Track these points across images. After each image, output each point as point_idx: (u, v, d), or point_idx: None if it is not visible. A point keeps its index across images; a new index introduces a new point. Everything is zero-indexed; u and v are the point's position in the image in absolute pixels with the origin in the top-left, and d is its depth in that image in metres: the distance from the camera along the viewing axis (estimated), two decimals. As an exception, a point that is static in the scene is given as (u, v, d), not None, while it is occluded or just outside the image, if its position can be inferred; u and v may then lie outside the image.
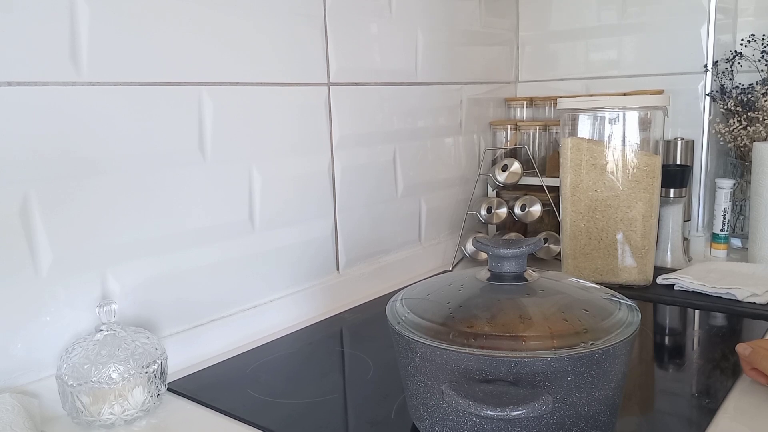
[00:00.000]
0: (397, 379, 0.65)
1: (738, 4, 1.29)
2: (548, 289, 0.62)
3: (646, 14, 1.29)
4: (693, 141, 1.24)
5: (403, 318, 0.61)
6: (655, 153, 1.03)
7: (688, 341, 0.91)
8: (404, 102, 1.15)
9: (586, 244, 1.07)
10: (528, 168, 1.28)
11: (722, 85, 1.23)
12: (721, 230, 1.25)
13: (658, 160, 1.03)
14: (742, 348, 0.72)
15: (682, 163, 1.23)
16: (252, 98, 0.89)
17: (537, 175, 1.25)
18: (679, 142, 1.23)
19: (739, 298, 0.96)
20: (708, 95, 1.22)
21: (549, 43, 1.42)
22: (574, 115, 1.06)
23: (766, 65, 1.22)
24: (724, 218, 1.24)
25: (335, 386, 0.77)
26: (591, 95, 1.22)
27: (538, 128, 1.32)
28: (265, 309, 0.93)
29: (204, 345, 0.85)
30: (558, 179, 1.11)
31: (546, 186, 1.23)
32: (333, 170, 1.03)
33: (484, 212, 1.25)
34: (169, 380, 0.74)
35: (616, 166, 1.03)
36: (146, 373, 0.68)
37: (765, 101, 1.18)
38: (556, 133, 1.29)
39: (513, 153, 1.34)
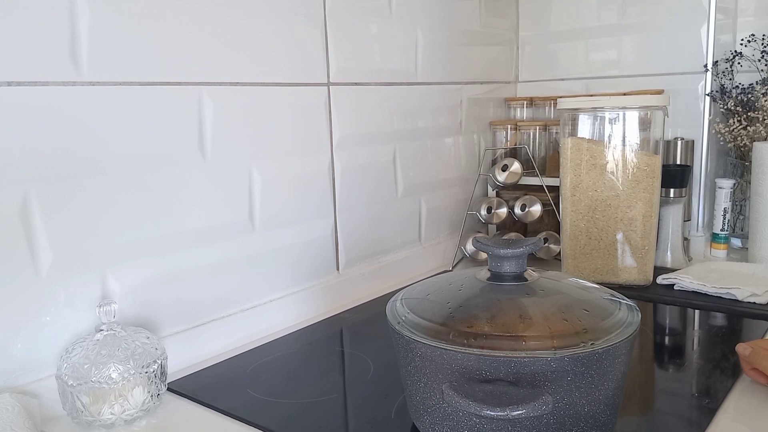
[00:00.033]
0: (397, 379, 0.65)
1: (738, 4, 1.29)
2: (548, 289, 0.62)
3: (646, 14, 1.29)
4: (693, 141, 1.24)
5: (403, 318, 0.61)
6: (655, 153, 1.03)
7: (688, 341, 0.91)
8: (404, 102, 1.15)
9: (586, 244, 1.07)
10: (528, 168, 1.28)
11: (722, 85, 1.23)
12: (721, 230, 1.25)
13: (658, 160, 1.03)
14: (742, 348, 0.72)
15: (682, 163, 1.23)
16: (252, 98, 0.89)
17: (537, 175, 1.25)
18: (679, 142, 1.23)
19: (739, 298, 0.96)
20: (708, 95, 1.22)
21: (549, 43, 1.42)
22: (574, 115, 1.06)
23: (766, 65, 1.22)
24: (724, 218, 1.24)
25: (335, 386, 0.77)
26: (591, 95, 1.22)
27: (538, 128, 1.32)
28: (265, 309, 0.93)
29: (204, 345, 0.85)
30: (558, 179, 1.11)
31: (546, 186, 1.23)
32: (333, 170, 1.03)
33: (484, 212, 1.25)
34: (169, 380, 0.74)
35: (616, 166, 1.03)
36: (146, 373, 0.68)
37: (765, 101, 1.18)
38: (556, 133, 1.29)
39: (513, 153, 1.34)
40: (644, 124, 1.03)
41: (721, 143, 1.27)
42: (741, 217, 1.31)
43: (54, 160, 0.69)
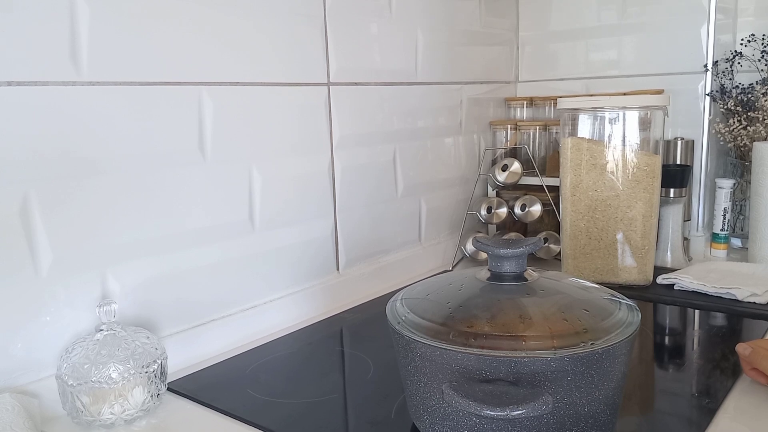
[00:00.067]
0: (397, 379, 0.65)
1: (738, 4, 1.29)
2: (548, 289, 0.62)
3: (646, 14, 1.29)
4: (693, 141, 1.24)
5: (403, 318, 0.61)
6: (655, 153, 1.03)
7: (688, 341, 0.91)
8: (404, 102, 1.15)
9: (586, 244, 1.07)
10: (528, 168, 1.28)
11: (722, 85, 1.23)
12: (721, 230, 1.25)
13: (658, 160, 1.03)
14: (742, 348, 0.72)
15: (682, 163, 1.23)
16: (252, 98, 0.89)
17: (537, 175, 1.25)
18: (679, 142, 1.23)
19: (739, 298, 0.96)
20: (708, 95, 1.22)
21: (549, 43, 1.42)
22: (574, 115, 1.06)
23: (766, 65, 1.22)
24: (724, 218, 1.24)
25: (335, 386, 0.77)
26: (591, 95, 1.22)
27: (538, 128, 1.32)
28: (265, 309, 0.93)
29: (204, 345, 0.85)
30: (558, 179, 1.11)
31: (546, 186, 1.23)
32: (333, 170, 1.03)
33: (484, 212, 1.25)
34: (169, 380, 0.74)
35: (616, 165, 1.03)
36: (146, 372, 0.68)
37: (765, 101, 1.18)
38: (556, 133, 1.29)
39: (513, 153, 1.34)
40: (644, 124, 1.03)
41: (721, 143, 1.27)
42: (741, 217, 1.31)
43: (54, 160, 0.69)
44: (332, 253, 1.05)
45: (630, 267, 1.05)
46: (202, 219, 0.84)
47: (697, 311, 0.97)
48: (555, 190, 1.17)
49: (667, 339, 0.92)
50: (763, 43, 1.23)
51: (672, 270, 1.11)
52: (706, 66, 1.22)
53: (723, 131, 1.23)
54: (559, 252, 1.15)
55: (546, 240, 1.24)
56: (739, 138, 1.21)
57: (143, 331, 0.72)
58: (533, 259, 1.24)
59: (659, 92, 1.19)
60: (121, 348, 0.68)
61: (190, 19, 0.80)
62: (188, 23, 0.80)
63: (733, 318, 0.93)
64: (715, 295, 0.99)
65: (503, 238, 1.20)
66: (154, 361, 0.69)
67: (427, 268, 1.23)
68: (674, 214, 1.16)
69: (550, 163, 1.30)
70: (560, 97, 1.11)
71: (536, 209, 1.22)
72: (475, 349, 0.54)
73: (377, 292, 1.10)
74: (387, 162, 1.13)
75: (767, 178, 1.13)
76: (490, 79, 1.38)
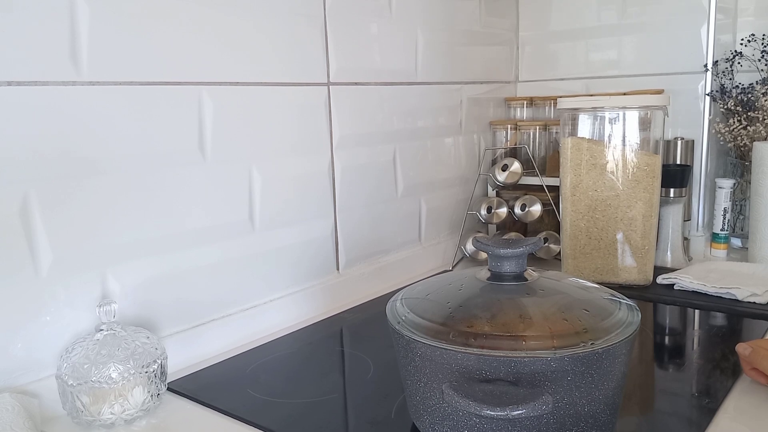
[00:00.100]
0: (397, 379, 0.65)
1: (738, 4, 1.29)
2: (548, 288, 0.62)
3: (646, 14, 1.29)
4: (693, 141, 1.24)
5: (403, 318, 0.61)
6: (655, 153, 1.03)
7: (688, 341, 0.91)
8: (404, 102, 1.15)
9: (586, 243, 1.07)
10: (528, 168, 1.28)
11: (722, 85, 1.23)
12: (721, 230, 1.25)
13: (658, 159, 1.03)
14: (742, 348, 0.72)
15: (682, 163, 1.23)
16: (252, 98, 0.89)
17: (537, 175, 1.25)
18: (679, 142, 1.23)
19: (739, 298, 0.96)
20: (708, 95, 1.22)
21: (549, 43, 1.42)
22: (574, 115, 1.06)
23: (766, 65, 1.22)
24: (724, 218, 1.24)
25: (335, 386, 0.77)
26: (591, 95, 1.22)
27: (538, 128, 1.32)
28: (265, 309, 0.93)
29: (204, 345, 0.85)
30: (558, 179, 1.11)
31: (546, 186, 1.23)
32: (333, 170, 1.03)
33: (484, 212, 1.25)
34: (169, 380, 0.74)
35: (616, 165, 1.03)
36: (146, 372, 0.68)
37: (765, 101, 1.18)
38: (556, 132, 1.29)
39: (513, 153, 1.34)
40: (644, 124, 1.03)
41: (721, 143, 1.27)
42: (741, 217, 1.31)
43: (54, 160, 0.69)
44: (332, 253, 1.05)
45: (630, 267, 1.05)
46: (202, 219, 0.84)
47: (697, 311, 0.97)
48: (555, 190, 1.17)
49: (667, 339, 0.92)
50: (763, 43, 1.23)
51: (672, 270, 1.11)
52: (706, 66, 1.22)
53: (723, 131, 1.23)
54: (559, 252, 1.15)
55: (546, 240, 1.24)
56: (739, 138, 1.21)
57: (143, 331, 0.72)
58: (533, 259, 1.24)
59: (659, 92, 1.19)
60: (121, 348, 0.68)
61: (190, 19, 0.80)
62: (188, 23, 0.80)
63: (733, 318, 0.93)
64: (715, 295, 0.99)
65: (503, 238, 1.20)
66: (154, 361, 0.69)
67: (427, 268, 1.23)
68: (674, 214, 1.16)
69: (550, 163, 1.30)
70: (560, 97, 1.11)
71: (536, 209, 1.22)
72: (475, 349, 0.54)
73: (377, 292, 1.10)
74: (387, 162, 1.13)
75: (767, 178, 1.13)
76: (490, 79, 1.38)
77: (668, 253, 1.16)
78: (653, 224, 1.05)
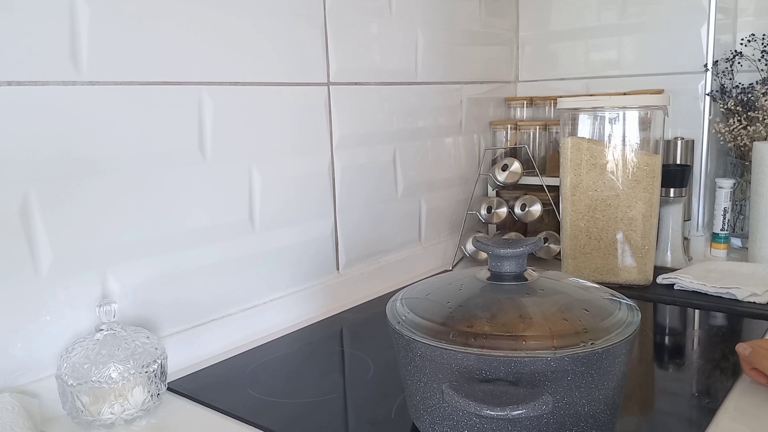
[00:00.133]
0: (397, 379, 0.65)
1: (738, 4, 1.29)
2: (548, 288, 0.62)
3: (646, 14, 1.29)
4: (693, 141, 1.24)
5: (403, 318, 0.61)
6: (655, 153, 1.03)
7: (688, 341, 0.91)
8: (404, 102, 1.15)
9: (586, 243, 1.07)
10: (528, 168, 1.28)
11: (722, 85, 1.23)
12: (721, 230, 1.25)
13: (658, 159, 1.03)
14: (742, 348, 0.72)
15: (682, 163, 1.23)
16: (252, 98, 0.89)
17: (537, 175, 1.25)
18: (679, 142, 1.23)
19: (739, 298, 0.96)
20: (708, 95, 1.22)
21: (549, 43, 1.42)
22: (574, 115, 1.06)
23: (766, 65, 1.22)
24: (724, 218, 1.24)
25: (335, 386, 0.77)
26: (591, 95, 1.22)
27: (538, 128, 1.32)
28: (265, 309, 0.93)
29: (204, 345, 0.85)
30: (558, 179, 1.11)
31: (546, 186, 1.23)
32: (333, 170, 1.03)
33: (484, 212, 1.25)
34: (169, 380, 0.74)
35: (616, 165, 1.03)
36: (146, 372, 0.68)
37: (765, 101, 1.18)
38: (556, 132, 1.29)
39: (513, 153, 1.34)
40: (644, 124, 1.03)
41: (721, 143, 1.27)
42: (741, 217, 1.31)
43: (54, 160, 0.69)
44: (332, 253, 1.05)
45: (630, 267, 1.05)
46: (202, 219, 0.84)
47: (697, 311, 0.97)
48: (555, 189, 1.17)
49: (667, 339, 0.92)
50: (763, 43, 1.23)
51: (672, 270, 1.11)
52: (706, 66, 1.22)
53: (723, 131, 1.23)
54: (559, 252, 1.15)
55: (546, 240, 1.24)
56: (739, 138, 1.21)
57: (143, 331, 0.72)
58: (533, 259, 1.24)
59: (659, 92, 1.19)
60: (121, 348, 0.68)
61: (190, 19, 0.80)
62: (188, 23, 0.80)
63: (733, 318, 0.93)
64: (715, 294, 0.99)
65: (503, 238, 1.20)
66: (154, 361, 0.69)
67: (427, 268, 1.23)
68: (674, 213, 1.16)
69: (550, 163, 1.30)
70: (560, 96, 1.11)
71: (536, 209, 1.22)
72: (475, 349, 0.54)
73: (377, 292, 1.10)
74: (387, 162, 1.13)
75: (767, 178, 1.13)
76: (490, 79, 1.38)
77: (668, 253, 1.16)
78: (653, 224, 1.05)
